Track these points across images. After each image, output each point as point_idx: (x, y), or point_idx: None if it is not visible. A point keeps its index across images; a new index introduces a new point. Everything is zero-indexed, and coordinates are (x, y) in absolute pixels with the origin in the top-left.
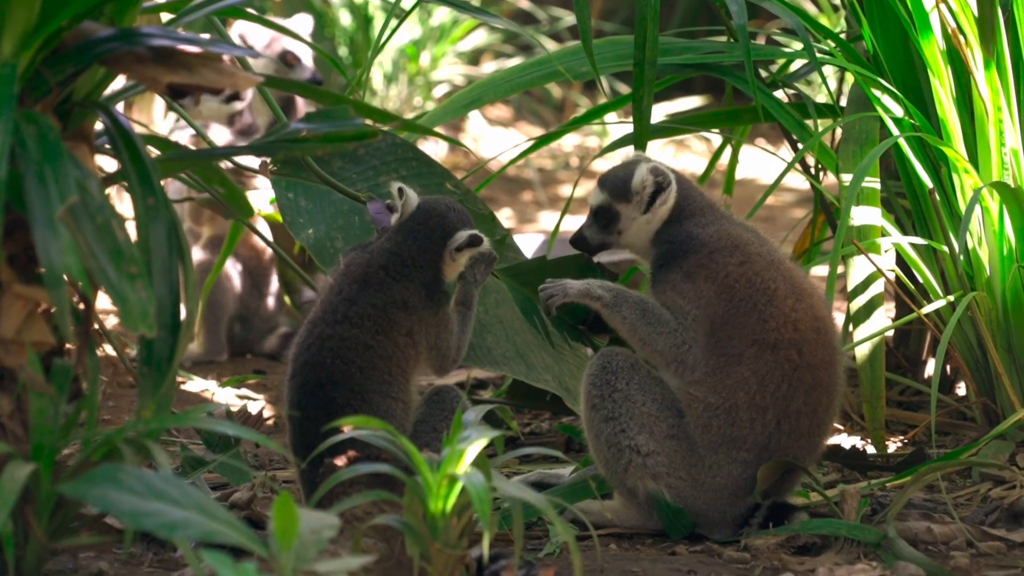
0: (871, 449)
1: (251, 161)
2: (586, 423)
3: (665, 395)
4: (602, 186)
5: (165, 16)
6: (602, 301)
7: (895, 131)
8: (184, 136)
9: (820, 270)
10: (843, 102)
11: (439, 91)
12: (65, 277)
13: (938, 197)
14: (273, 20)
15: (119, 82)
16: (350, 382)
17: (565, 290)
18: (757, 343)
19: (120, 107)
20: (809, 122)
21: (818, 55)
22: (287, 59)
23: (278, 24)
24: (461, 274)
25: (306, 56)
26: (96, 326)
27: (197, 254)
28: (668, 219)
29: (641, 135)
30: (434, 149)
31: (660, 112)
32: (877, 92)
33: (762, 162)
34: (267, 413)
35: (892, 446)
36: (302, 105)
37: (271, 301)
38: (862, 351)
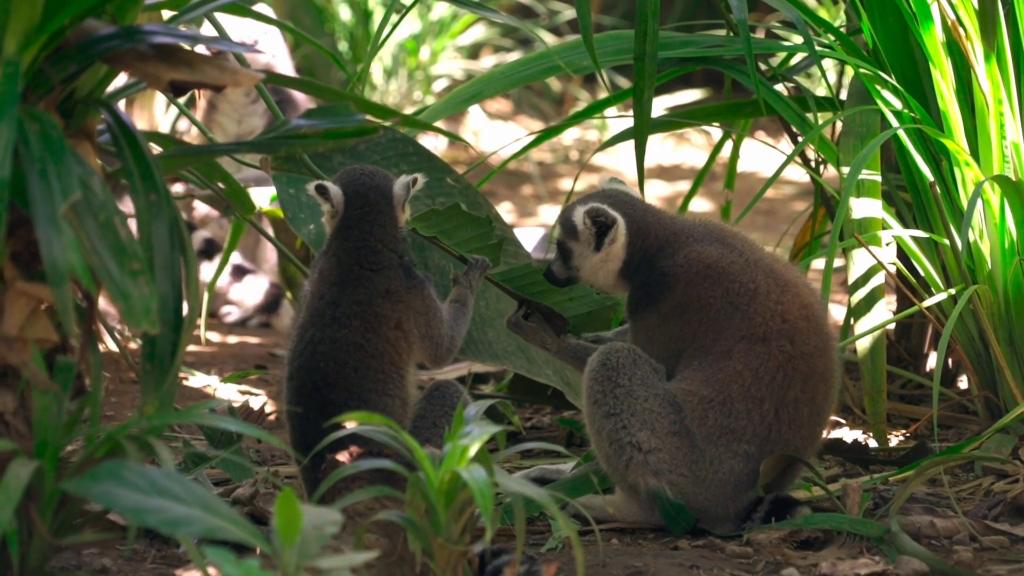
0: (873, 443)
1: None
2: (588, 419)
3: (667, 392)
4: (558, 221)
5: (167, 14)
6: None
7: (895, 124)
8: None
9: (822, 263)
10: (843, 95)
11: (439, 85)
12: (68, 274)
13: (939, 190)
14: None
15: (121, 80)
16: (345, 383)
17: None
18: (745, 338)
19: (122, 104)
20: (809, 115)
21: (818, 48)
22: None
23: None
24: (455, 279)
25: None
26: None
27: None
28: (637, 257)
29: (641, 129)
30: (434, 143)
31: (660, 105)
32: (877, 85)
33: (762, 155)
34: (269, 409)
35: (894, 440)
36: (303, 100)
37: None
38: (863, 344)
